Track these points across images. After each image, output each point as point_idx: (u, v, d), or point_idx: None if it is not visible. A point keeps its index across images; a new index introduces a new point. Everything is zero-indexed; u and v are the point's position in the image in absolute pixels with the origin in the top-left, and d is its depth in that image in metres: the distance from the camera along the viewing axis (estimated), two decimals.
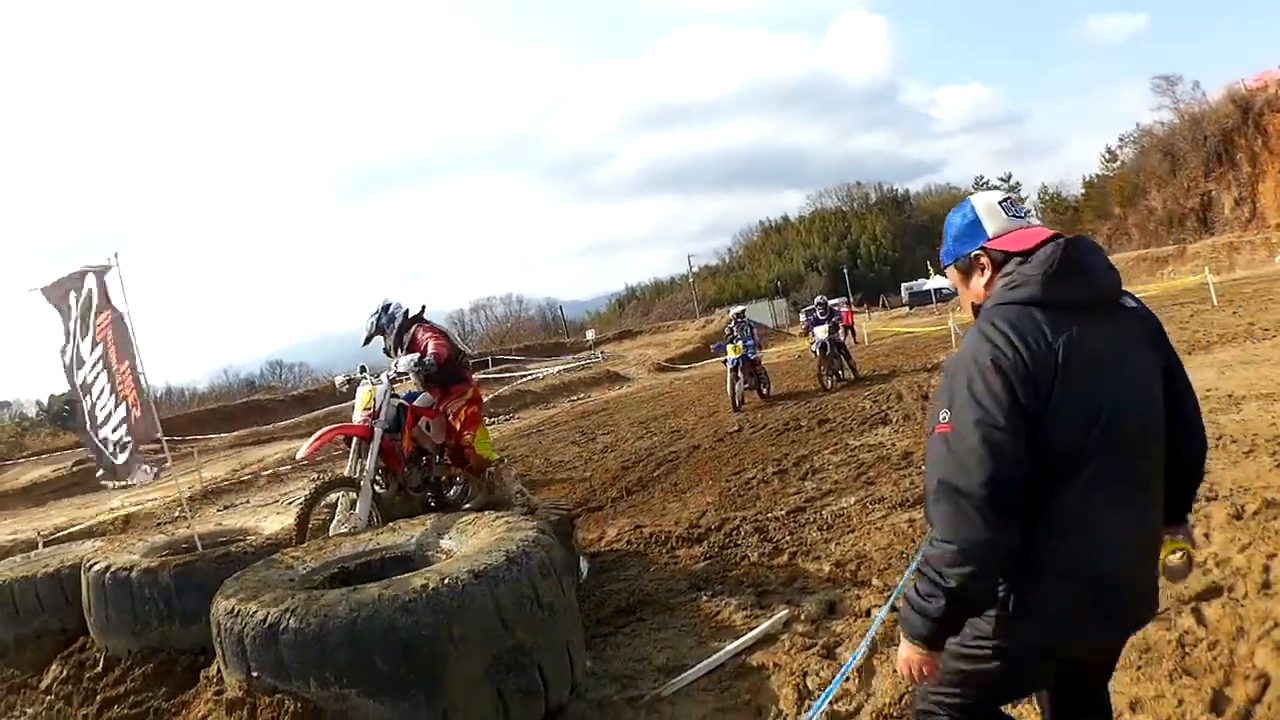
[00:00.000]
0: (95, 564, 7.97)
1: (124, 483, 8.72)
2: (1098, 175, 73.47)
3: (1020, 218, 2.95)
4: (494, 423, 27.60)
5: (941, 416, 2.68)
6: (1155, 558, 2.88)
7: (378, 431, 7.89)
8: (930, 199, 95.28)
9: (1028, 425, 2.57)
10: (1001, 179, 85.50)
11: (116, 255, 8.22)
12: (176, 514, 19.88)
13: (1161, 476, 2.82)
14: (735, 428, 16.19)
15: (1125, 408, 2.65)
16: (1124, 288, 2.84)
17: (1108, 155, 71.65)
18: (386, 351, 8.71)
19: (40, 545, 15.28)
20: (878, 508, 8.57)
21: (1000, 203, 3.00)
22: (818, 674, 5.24)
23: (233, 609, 5.26)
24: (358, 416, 8.12)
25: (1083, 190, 75.56)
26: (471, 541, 6.06)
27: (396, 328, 8.59)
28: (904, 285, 71.29)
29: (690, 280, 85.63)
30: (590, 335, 56.09)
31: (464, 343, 8.97)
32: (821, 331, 20.01)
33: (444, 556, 6.12)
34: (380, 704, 4.77)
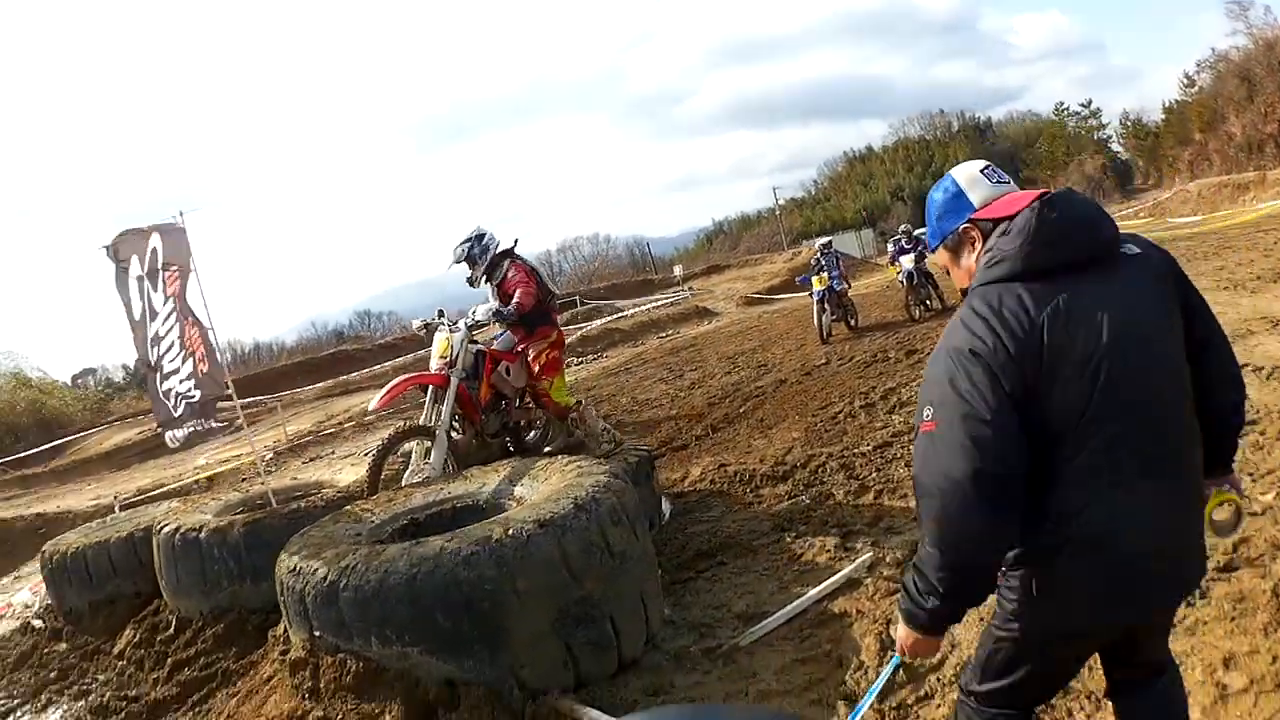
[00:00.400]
0: (165, 526, 8.09)
1: (185, 436, 8.82)
2: (1177, 101, 72.52)
3: (1005, 183, 2.84)
4: (582, 362, 27.73)
5: (925, 414, 2.60)
6: (1192, 518, 2.68)
7: (454, 380, 7.86)
8: (1012, 126, 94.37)
9: (1018, 412, 2.48)
10: (1082, 105, 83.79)
11: (182, 213, 8.28)
12: (262, 469, 20.29)
13: (1190, 428, 2.66)
14: (822, 361, 16.00)
15: (1128, 363, 2.50)
16: (1122, 233, 2.70)
17: (1186, 81, 70.89)
18: (471, 282, 8.52)
19: (116, 509, 15.63)
20: None
21: (982, 170, 2.88)
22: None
23: (294, 567, 5.28)
24: (434, 364, 8.10)
25: (1163, 116, 74.31)
26: (542, 488, 6.01)
27: (489, 260, 8.39)
28: None
29: (776, 213, 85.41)
30: (678, 271, 55.83)
31: (551, 284, 8.84)
32: (908, 261, 19.74)
33: (515, 504, 6.08)
34: (443, 661, 4.75)
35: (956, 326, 2.61)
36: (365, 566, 4.87)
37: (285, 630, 5.64)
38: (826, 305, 18.92)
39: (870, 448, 8.97)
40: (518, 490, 6.34)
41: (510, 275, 8.30)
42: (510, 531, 4.88)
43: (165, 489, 18.85)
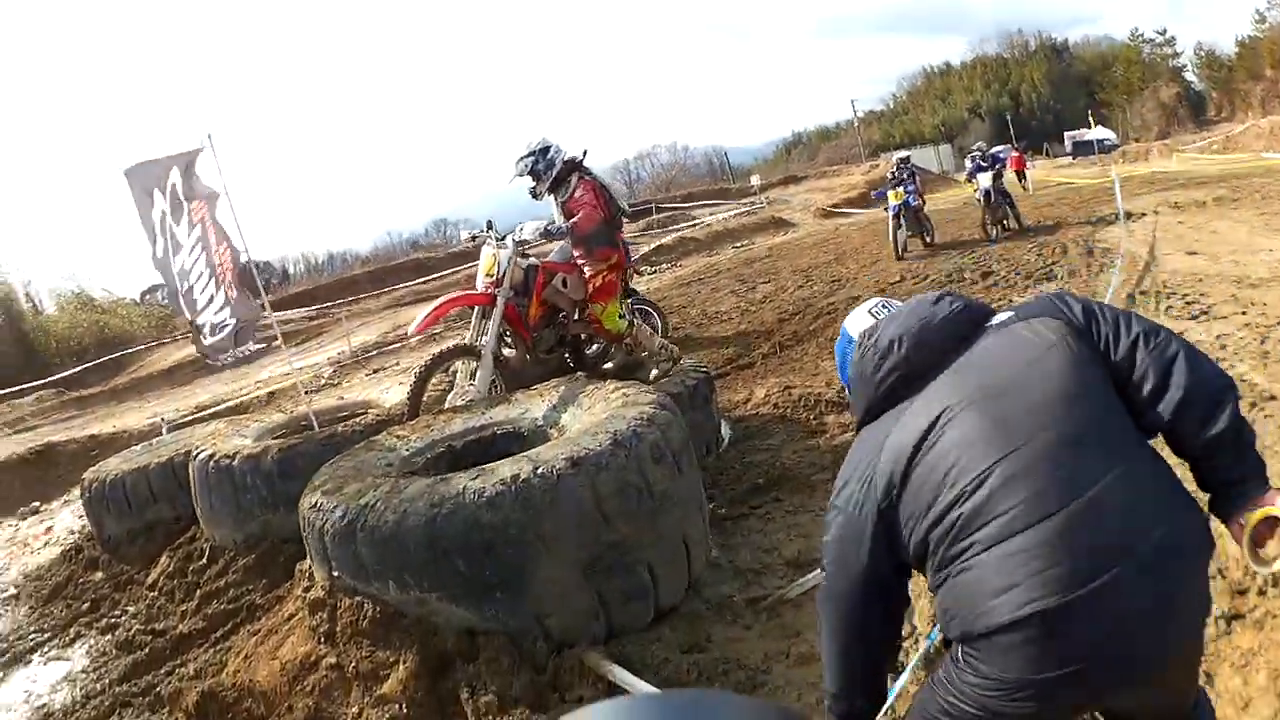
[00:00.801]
0: (201, 452, 8.10)
1: (227, 360, 8.82)
2: (1249, 36, 71.68)
3: (889, 310, 2.81)
4: (655, 271, 27.68)
5: (824, 562, 2.61)
6: (1138, 557, 2.12)
7: (500, 299, 7.67)
8: (1088, 49, 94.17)
9: (889, 560, 2.44)
10: (1158, 32, 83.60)
11: (210, 137, 8.19)
12: (322, 384, 20.45)
13: (1114, 457, 2.24)
14: (897, 278, 15.89)
15: (980, 429, 2.30)
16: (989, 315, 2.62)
17: (1257, 17, 70.50)
18: (535, 195, 8.22)
19: (164, 431, 15.79)
20: None
21: (870, 310, 2.90)
22: None
23: (315, 503, 5.15)
24: (480, 282, 7.91)
25: (1236, 50, 73.37)
26: (585, 418, 5.81)
27: (554, 174, 8.06)
28: (1067, 134, 70.41)
29: (855, 125, 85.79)
30: (755, 180, 55.97)
31: (622, 199, 8.47)
32: (985, 179, 19.45)
33: (557, 433, 5.92)
34: (463, 609, 4.61)
35: (839, 476, 2.60)
36: (384, 505, 4.72)
37: (310, 566, 5.56)
38: (902, 220, 18.83)
39: None
40: (562, 418, 6.14)
41: (578, 194, 7.99)
42: (539, 471, 4.66)
43: (224, 405, 19.12)
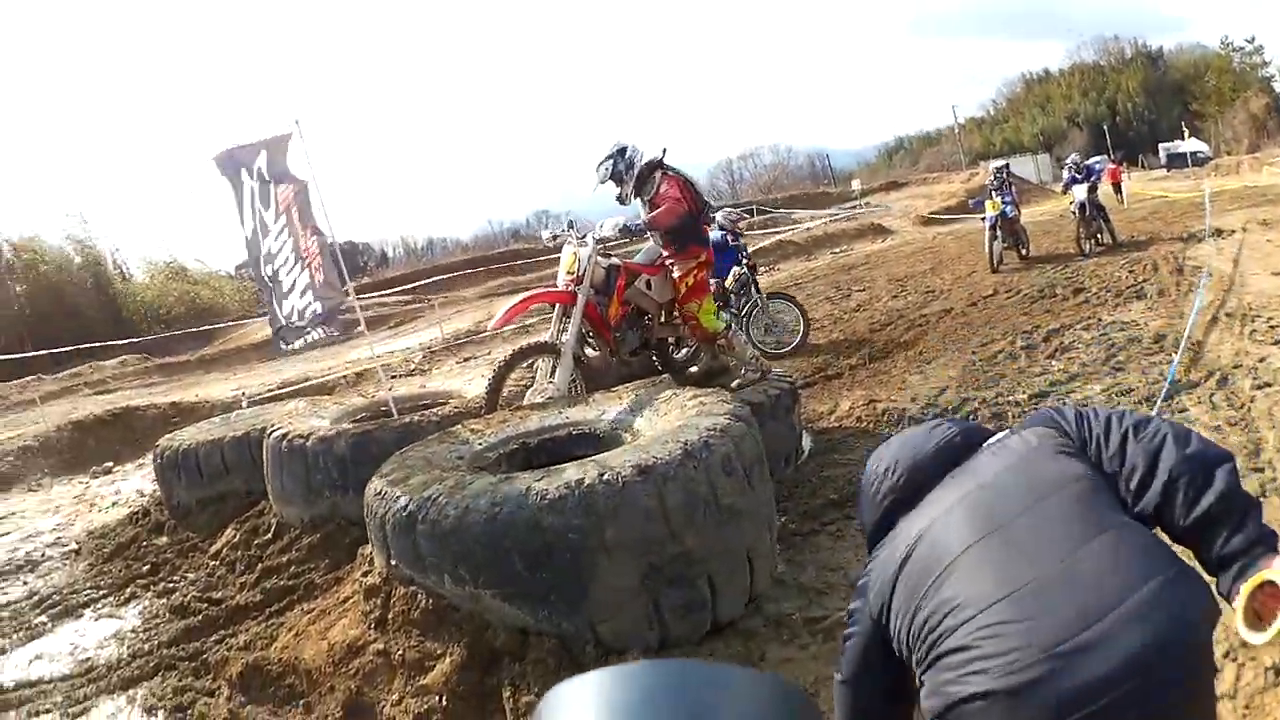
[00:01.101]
0: (276, 430, 8.28)
1: (301, 345, 8.98)
2: None
3: None
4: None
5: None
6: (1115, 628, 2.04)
7: (581, 297, 7.73)
8: (1182, 57, 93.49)
9: (889, 666, 2.48)
10: (1246, 40, 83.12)
11: (298, 122, 8.32)
12: (412, 369, 20.72)
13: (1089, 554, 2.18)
14: (990, 291, 16.00)
15: (959, 542, 2.31)
16: (982, 434, 2.68)
17: None
18: (621, 200, 8.36)
19: (244, 405, 16.08)
20: (1123, 401, 8.23)
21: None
22: None
23: (380, 490, 5.26)
24: (561, 280, 8.01)
25: None
26: (659, 424, 5.86)
27: (635, 175, 8.20)
28: (1161, 146, 69.40)
29: (956, 132, 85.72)
30: (856, 185, 56.74)
31: (704, 197, 8.59)
32: (1080, 191, 19.50)
33: (630, 438, 5.97)
34: (516, 608, 4.66)
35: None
36: (447, 499, 4.79)
37: (370, 552, 5.67)
38: (999, 232, 18.94)
39: (1025, 396, 8.87)
40: (637, 423, 6.19)
41: (662, 189, 8.07)
42: (605, 477, 4.69)
43: (310, 384, 19.44)
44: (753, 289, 14.10)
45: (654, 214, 7.94)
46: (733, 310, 13.71)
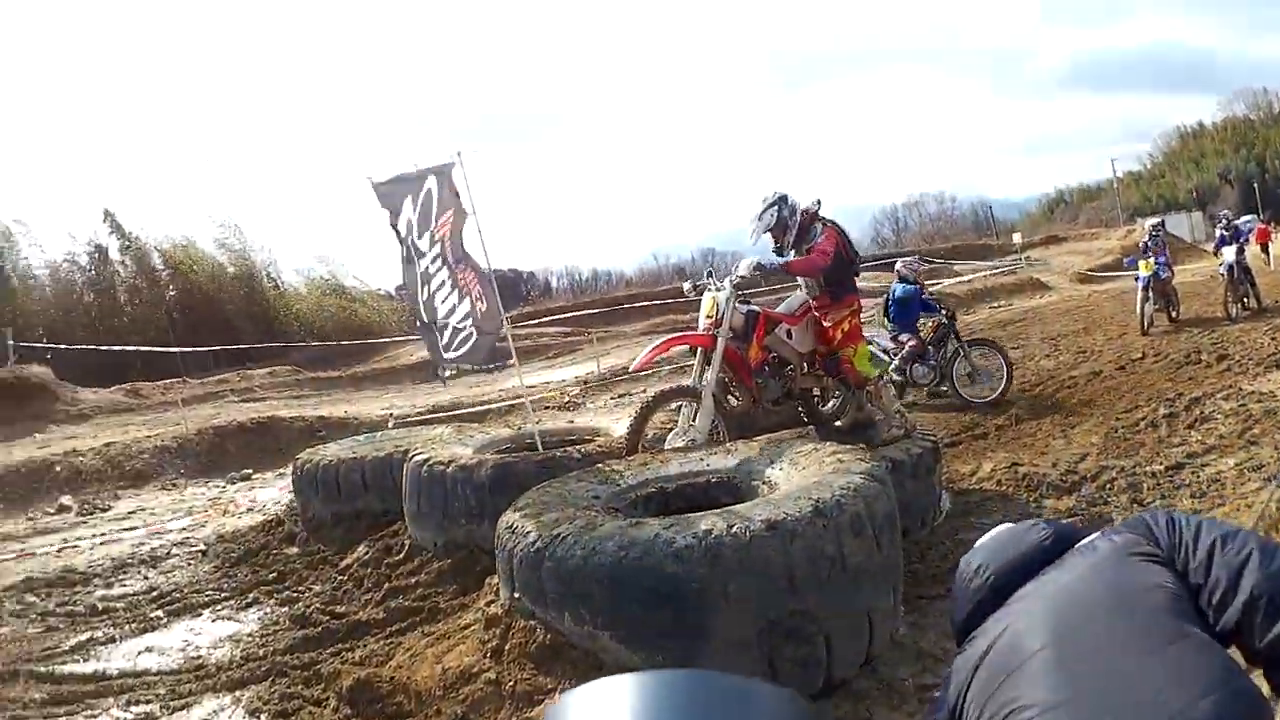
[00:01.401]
0: (418, 455, 8.55)
1: (452, 372, 9.25)
2: None
3: None
4: None
5: None
6: None
7: (720, 340, 7.92)
8: None
9: None
10: None
11: (460, 154, 8.62)
12: (565, 401, 21.03)
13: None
14: (1139, 354, 16.12)
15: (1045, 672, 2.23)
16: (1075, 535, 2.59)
17: None
18: (779, 252, 8.54)
19: (390, 425, 16.55)
20: (1254, 477, 8.17)
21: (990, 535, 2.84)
22: None
23: (511, 524, 5.47)
24: (702, 324, 8.25)
25: None
26: (795, 478, 5.94)
27: (798, 224, 8.39)
28: None
29: (1114, 186, 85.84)
30: (1017, 239, 56.94)
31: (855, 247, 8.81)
32: (1230, 253, 19.49)
33: (766, 490, 6.07)
34: (632, 651, 4.78)
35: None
36: (575, 539, 4.96)
37: (497, 583, 5.89)
38: (1150, 293, 18.92)
39: (1162, 467, 8.86)
40: (774, 474, 6.28)
41: (820, 241, 8.27)
42: (733, 529, 4.80)
43: (461, 410, 19.79)
44: (953, 338, 14.22)
45: (794, 260, 8.25)
46: (931, 363, 13.98)
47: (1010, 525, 2.71)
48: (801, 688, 4.88)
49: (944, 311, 14.47)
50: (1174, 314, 19.64)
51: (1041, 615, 2.34)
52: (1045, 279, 40.86)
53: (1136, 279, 19.47)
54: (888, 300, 15.18)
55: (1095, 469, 9.12)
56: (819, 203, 8.51)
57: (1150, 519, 2.51)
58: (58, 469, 17.27)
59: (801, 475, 5.93)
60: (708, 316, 8.18)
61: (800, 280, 8.56)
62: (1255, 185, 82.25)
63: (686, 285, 9.20)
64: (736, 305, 8.12)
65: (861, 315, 8.82)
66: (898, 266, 15.43)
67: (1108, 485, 8.57)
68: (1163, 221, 21.60)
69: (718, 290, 8.22)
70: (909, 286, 14.58)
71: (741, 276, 8.16)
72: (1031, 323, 25.05)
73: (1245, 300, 19.61)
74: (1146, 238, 20.25)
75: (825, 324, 8.45)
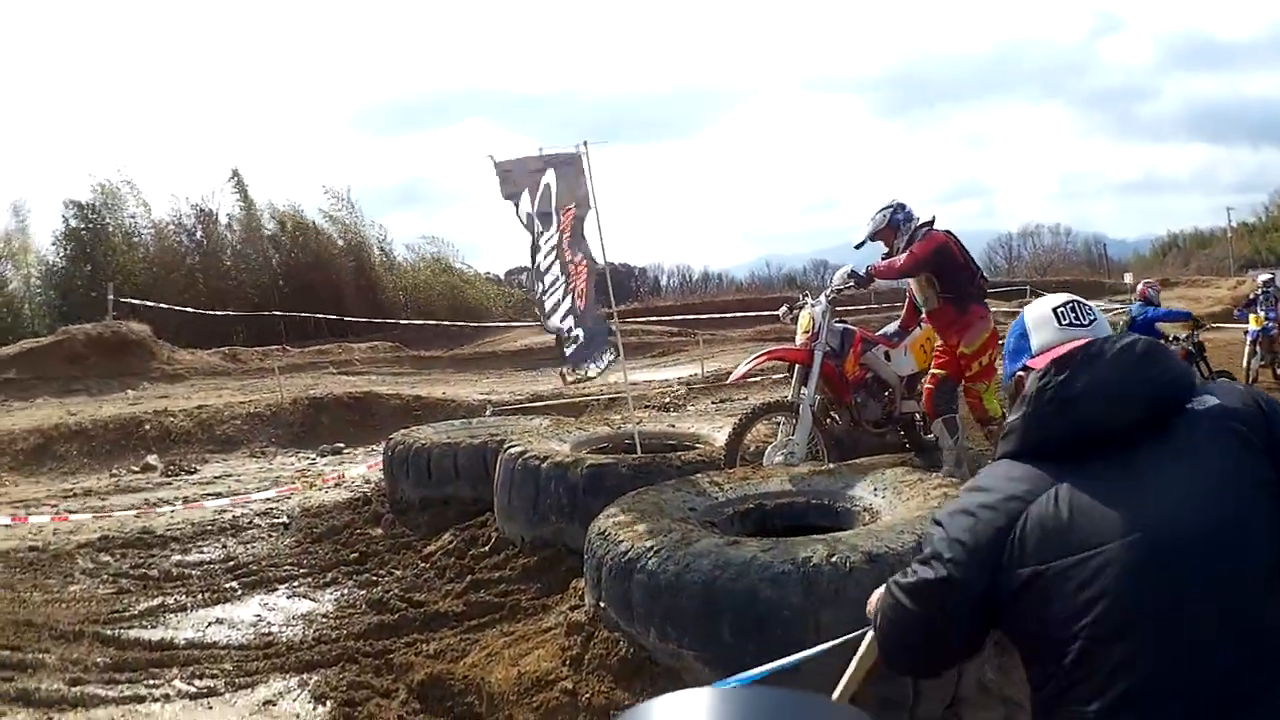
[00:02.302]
0: (512, 447, 8.57)
1: (576, 375, 9.17)
2: None
3: (1079, 325, 2.69)
4: None
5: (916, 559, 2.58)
6: None
7: (817, 355, 8.04)
8: None
9: (971, 608, 2.40)
10: None
11: (585, 143, 8.69)
12: (667, 399, 20.98)
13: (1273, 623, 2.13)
14: None
15: (1151, 571, 2.16)
16: (1192, 387, 2.44)
17: None
18: (887, 258, 8.52)
19: (488, 412, 16.56)
20: None
21: (1055, 309, 2.74)
22: None
23: (603, 530, 5.46)
24: (799, 340, 8.39)
25: None
26: (899, 508, 5.86)
27: (911, 230, 8.35)
28: None
29: (1228, 235, 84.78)
30: (1128, 278, 56.14)
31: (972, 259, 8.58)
32: None
33: (867, 517, 5.98)
34: (716, 673, 4.62)
35: (960, 498, 2.53)
36: (669, 553, 4.92)
37: (584, 588, 5.85)
38: (1258, 348, 18.88)
39: None
40: (877, 501, 6.17)
41: (919, 238, 8.24)
42: (832, 558, 4.74)
43: (560, 401, 19.93)
44: (1201, 365, 14.41)
45: (880, 263, 8.29)
46: None
47: (1119, 343, 2.47)
48: None
49: (1192, 337, 14.74)
50: (1279, 371, 19.42)
51: (1125, 521, 2.21)
52: None
53: (1246, 332, 19.38)
54: (1131, 321, 15.44)
55: None
56: (934, 219, 8.45)
57: (1266, 402, 2.45)
58: (147, 427, 17.53)
59: (905, 506, 5.84)
60: (804, 331, 8.34)
61: (917, 294, 8.48)
62: None
63: (782, 310, 9.26)
64: (830, 320, 8.23)
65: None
66: (1141, 287, 16.23)
67: None
68: (1275, 276, 21.11)
69: (814, 306, 8.34)
70: (1157, 309, 15.07)
71: (837, 290, 8.34)
72: None
73: None
74: (1259, 290, 20.00)
75: (960, 348, 8.17)
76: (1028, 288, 48.90)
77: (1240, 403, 2.42)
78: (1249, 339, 18.93)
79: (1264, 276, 22.01)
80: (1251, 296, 20.25)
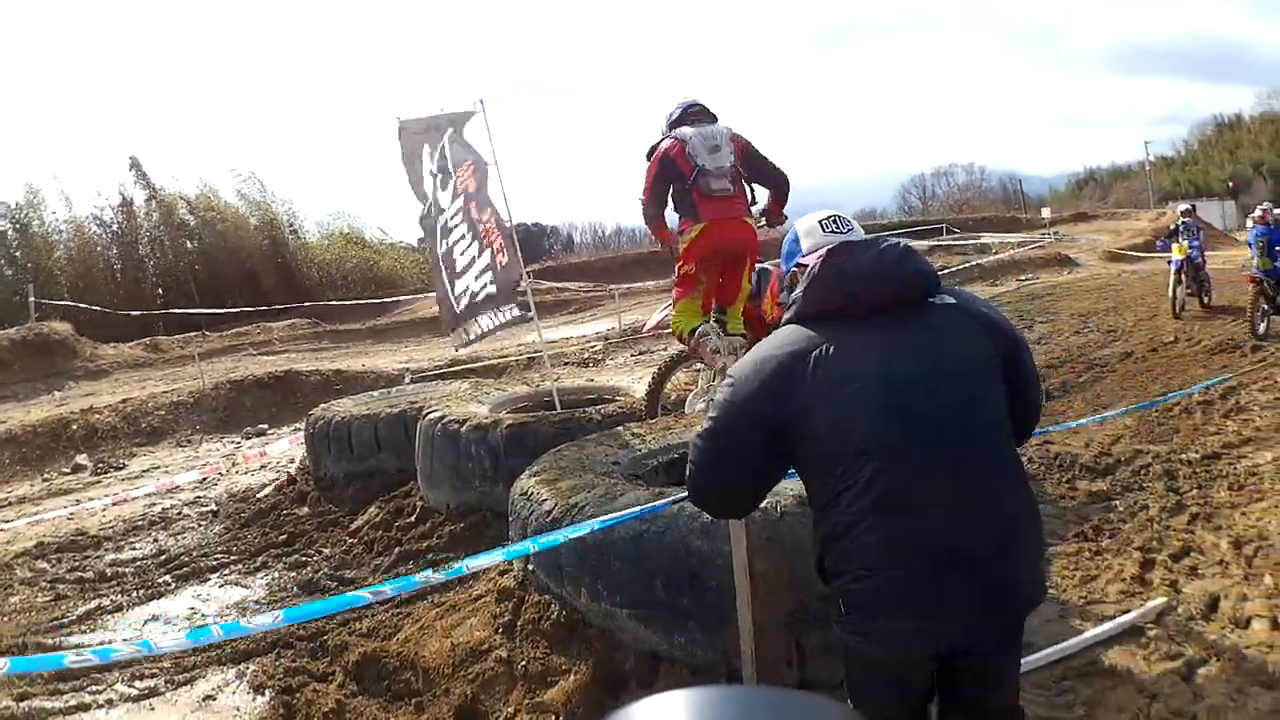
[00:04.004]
0: (430, 413, 8.35)
1: (472, 337, 8.97)
2: None
3: (838, 234, 3.42)
4: None
5: (710, 411, 3.18)
6: (996, 552, 2.90)
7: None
8: None
9: (770, 436, 2.99)
10: None
11: (481, 101, 8.50)
12: (586, 355, 20.86)
13: (993, 459, 3.00)
14: (1171, 338, 16.03)
15: (913, 403, 2.90)
16: (938, 284, 3.16)
17: None
18: None
19: (407, 380, 16.33)
20: None
21: (820, 221, 3.51)
22: (1166, 702, 4.66)
23: (526, 490, 5.28)
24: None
25: None
26: None
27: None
28: None
29: (1146, 169, 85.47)
30: (1046, 213, 57.36)
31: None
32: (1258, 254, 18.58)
33: None
34: (651, 631, 4.57)
35: (749, 353, 3.17)
36: (594, 510, 4.72)
37: None
38: (1183, 277, 18.86)
39: (1198, 456, 8.64)
40: None
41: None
42: (763, 504, 4.52)
43: (480, 364, 19.80)
44: None
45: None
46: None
47: (881, 244, 3.18)
48: (829, 675, 4.62)
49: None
50: (1206, 300, 19.46)
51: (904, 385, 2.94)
52: (1073, 255, 40.71)
53: (1169, 262, 19.42)
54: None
55: (1129, 453, 8.91)
56: (675, 114, 7.76)
57: (986, 314, 3.23)
58: (74, 427, 17.17)
59: None
60: None
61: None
62: None
63: None
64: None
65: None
66: (1260, 212, 17.17)
67: (1142, 470, 8.35)
68: (1194, 206, 21.31)
69: None
70: None
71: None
72: (1060, 298, 24.93)
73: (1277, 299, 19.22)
74: (1180, 221, 20.15)
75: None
76: (943, 226, 49.45)
77: (983, 305, 3.28)
78: (1173, 269, 19.01)
79: (1184, 206, 22.17)
80: (1173, 228, 20.33)
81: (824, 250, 3.16)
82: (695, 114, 7.62)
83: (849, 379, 2.90)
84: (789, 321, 3.14)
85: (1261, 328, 17.02)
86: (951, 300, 3.14)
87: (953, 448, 2.89)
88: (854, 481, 2.85)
